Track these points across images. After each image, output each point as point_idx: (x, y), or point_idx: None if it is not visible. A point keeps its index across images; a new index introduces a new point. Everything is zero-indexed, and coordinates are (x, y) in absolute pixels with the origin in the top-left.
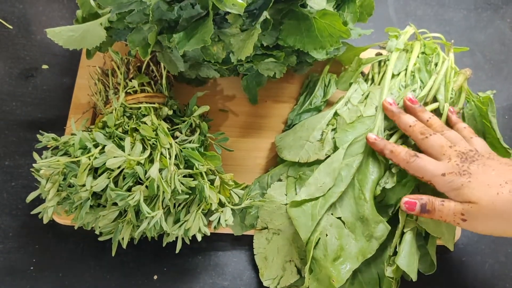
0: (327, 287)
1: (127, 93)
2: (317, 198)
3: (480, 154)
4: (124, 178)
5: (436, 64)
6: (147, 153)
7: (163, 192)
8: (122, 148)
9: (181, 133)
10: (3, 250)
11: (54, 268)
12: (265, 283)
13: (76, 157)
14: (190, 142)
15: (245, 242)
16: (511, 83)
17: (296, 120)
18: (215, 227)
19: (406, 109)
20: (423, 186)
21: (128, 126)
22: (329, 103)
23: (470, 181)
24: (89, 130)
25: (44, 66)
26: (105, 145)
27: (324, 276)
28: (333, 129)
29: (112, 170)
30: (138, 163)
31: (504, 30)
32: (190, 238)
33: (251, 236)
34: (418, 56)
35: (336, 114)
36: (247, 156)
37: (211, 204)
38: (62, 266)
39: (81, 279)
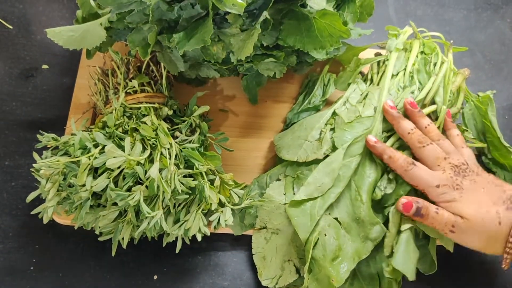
0: (327, 287)
1: (127, 93)
2: (315, 198)
3: (471, 169)
4: (124, 178)
5: (435, 64)
6: (147, 153)
7: (163, 192)
8: (122, 148)
9: (181, 133)
10: (3, 250)
11: (54, 268)
12: (263, 283)
13: (76, 157)
14: (190, 142)
15: (245, 242)
16: (511, 83)
17: (295, 119)
18: (215, 227)
19: (406, 112)
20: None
21: (128, 126)
22: (328, 103)
23: (462, 196)
24: (89, 130)
25: (44, 66)
26: (105, 145)
27: (324, 276)
28: (332, 129)
29: (112, 170)
30: (138, 163)
31: (504, 30)
32: (190, 238)
33: (251, 236)
34: (417, 56)
35: (334, 113)
36: (247, 156)
37: (211, 204)
38: (62, 266)
39: (81, 279)
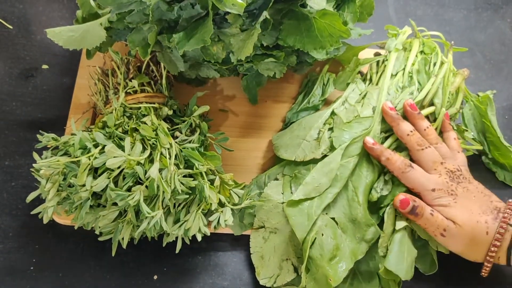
0: (324, 286)
1: (127, 93)
2: (313, 198)
3: (464, 176)
4: (124, 178)
5: (434, 64)
6: (147, 153)
7: (163, 192)
8: (122, 148)
9: (181, 133)
10: (3, 250)
11: (54, 268)
12: (261, 282)
13: (76, 157)
14: (190, 142)
15: (245, 242)
16: (511, 83)
17: (294, 118)
18: (215, 227)
19: (405, 114)
20: None
21: (128, 126)
22: (327, 102)
23: (456, 202)
24: (89, 130)
25: (44, 66)
26: (105, 145)
27: (321, 276)
28: (330, 129)
29: (112, 170)
30: (138, 163)
31: (504, 30)
32: (190, 238)
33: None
34: (416, 56)
35: (333, 113)
36: (247, 156)
37: (211, 204)
38: (62, 266)
39: (81, 279)
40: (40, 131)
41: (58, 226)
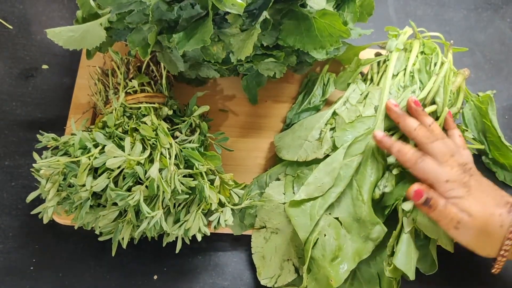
0: (325, 287)
1: (127, 93)
2: (316, 198)
3: (473, 169)
4: (124, 178)
5: (435, 64)
6: (147, 153)
7: (163, 192)
8: (122, 148)
9: (181, 133)
10: (3, 250)
11: (54, 268)
12: (262, 282)
13: (76, 157)
14: (190, 142)
15: (245, 242)
16: (511, 83)
17: (295, 119)
18: (215, 227)
19: (409, 111)
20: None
21: (128, 126)
22: (328, 102)
23: (469, 194)
24: (89, 130)
25: (44, 66)
26: (105, 145)
27: (322, 276)
28: (332, 129)
29: (112, 170)
30: (138, 163)
31: (504, 30)
32: (190, 238)
33: (251, 236)
34: (417, 56)
35: (334, 113)
36: (247, 156)
37: (211, 204)
38: (62, 266)
39: (81, 279)
40: (40, 131)
41: (58, 226)
